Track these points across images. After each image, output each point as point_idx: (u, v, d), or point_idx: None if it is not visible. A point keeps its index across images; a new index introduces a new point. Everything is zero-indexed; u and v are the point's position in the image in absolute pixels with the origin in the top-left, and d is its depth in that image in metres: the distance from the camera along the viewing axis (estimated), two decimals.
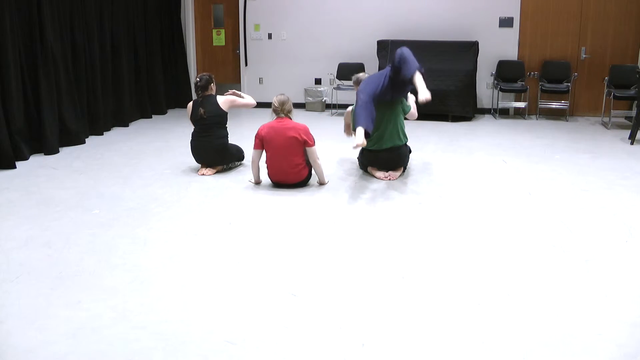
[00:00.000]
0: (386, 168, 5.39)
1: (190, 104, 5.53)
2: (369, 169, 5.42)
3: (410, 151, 5.55)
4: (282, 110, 4.96)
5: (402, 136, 5.32)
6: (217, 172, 5.50)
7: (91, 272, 3.33)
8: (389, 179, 5.27)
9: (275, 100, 5.01)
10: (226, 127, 5.55)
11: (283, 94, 5.10)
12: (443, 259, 3.54)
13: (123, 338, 2.62)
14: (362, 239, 3.86)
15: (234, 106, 5.57)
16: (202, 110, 5.35)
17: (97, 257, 3.54)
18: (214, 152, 5.46)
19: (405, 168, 5.52)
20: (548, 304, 2.95)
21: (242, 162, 5.80)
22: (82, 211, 4.41)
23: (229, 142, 5.58)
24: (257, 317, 2.82)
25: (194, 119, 5.45)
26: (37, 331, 2.68)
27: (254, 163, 4.99)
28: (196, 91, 5.48)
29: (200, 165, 5.58)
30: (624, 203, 4.65)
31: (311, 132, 4.96)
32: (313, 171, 5.07)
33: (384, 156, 5.30)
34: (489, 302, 2.97)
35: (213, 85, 5.52)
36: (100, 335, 2.64)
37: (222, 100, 5.46)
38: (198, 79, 5.45)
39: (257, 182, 5.06)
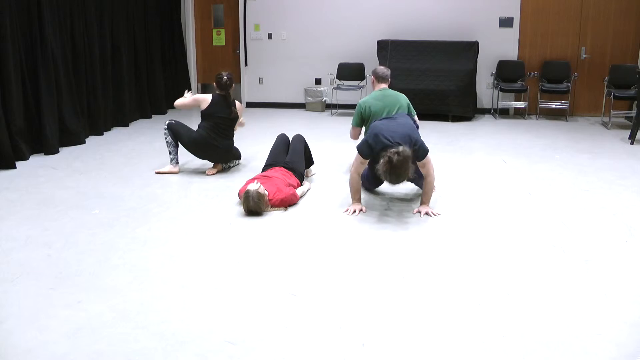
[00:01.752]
0: None
1: (210, 96, 5.48)
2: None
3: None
4: (260, 213, 4.35)
5: None
6: (218, 171, 5.57)
7: (91, 272, 3.33)
8: None
9: (244, 206, 4.32)
10: (234, 130, 5.64)
11: (251, 195, 4.24)
12: (443, 259, 3.54)
13: (123, 338, 2.62)
14: (362, 239, 3.85)
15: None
16: (234, 111, 5.45)
17: (97, 257, 3.54)
18: (223, 151, 5.53)
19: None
20: (548, 304, 2.95)
21: (240, 160, 5.88)
22: (82, 211, 4.41)
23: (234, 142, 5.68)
24: (257, 317, 2.82)
25: (211, 112, 5.39)
26: (37, 331, 2.68)
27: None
28: (222, 88, 5.41)
29: (201, 161, 5.68)
30: (624, 203, 4.65)
31: (296, 193, 4.64)
32: (305, 183, 5.00)
33: None
34: (489, 302, 2.97)
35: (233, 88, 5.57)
36: (100, 335, 2.64)
37: (238, 107, 5.54)
38: (226, 77, 5.38)
39: None
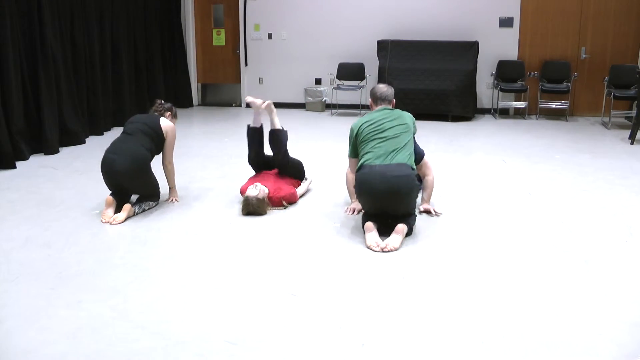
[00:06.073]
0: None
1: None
2: (365, 227, 3.88)
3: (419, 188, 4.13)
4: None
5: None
6: (128, 217, 4.18)
7: (91, 272, 3.33)
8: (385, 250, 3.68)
9: (244, 210, 4.32)
10: (155, 150, 4.44)
11: (251, 202, 4.26)
12: (443, 259, 3.54)
13: (123, 338, 2.62)
14: (362, 239, 3.85)
15: (168, 141, 4.51)
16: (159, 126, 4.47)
17: (97, 257, 3.54)
18: (129, 163, 4.17)
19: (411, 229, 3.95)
20: (548, 304, 2.95)
21: (157, 202, 4.53)
22: (82, 211, 4.41)
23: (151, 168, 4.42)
24: (257, 317, 2.82)
25: (128, 122, 4.54)
26: (37, 331, 2.68)
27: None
28: (155, 107, 4.65)
29: (106, 200, 4.25)
30: (624, 203, 4.65)
31: (296, 192, 4.65)
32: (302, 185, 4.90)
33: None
34: (489, 302, 2.97)
35: (170, 116, 4.67)
36: (100, 335, 2.64)
37: (165, 122, 4.50)
38: (162, 101, 4.74)
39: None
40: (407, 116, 4.07)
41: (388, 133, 3.91)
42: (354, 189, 4.05)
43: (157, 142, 4.47)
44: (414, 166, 3.93)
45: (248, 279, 3.26)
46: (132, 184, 4.33)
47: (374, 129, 3.95)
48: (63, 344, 2.57)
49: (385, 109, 4.11)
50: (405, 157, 3.85)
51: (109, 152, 4.29)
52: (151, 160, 4.41)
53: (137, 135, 4.36)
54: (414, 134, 4.06)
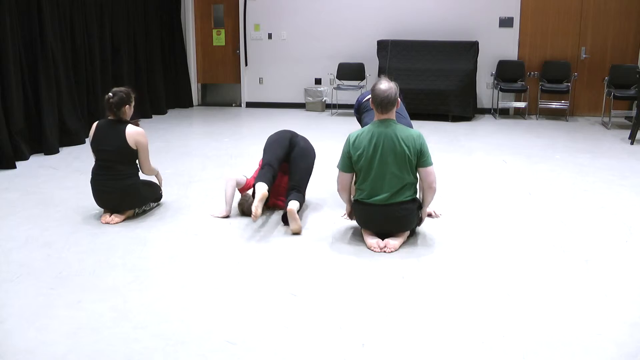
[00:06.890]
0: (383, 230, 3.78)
1: (95, 125, 4.24)
2: (362, 231, 3.85)
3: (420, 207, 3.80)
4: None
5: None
6: (128, 218, 4.22)
7: (91, 272, 3.33)
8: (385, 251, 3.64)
9: (239, 208, 4.37)
10: (135, 165, 4.25)
11: (244, 203, 4.32)
12: (443, 258, 3.54)
13: (123, 338, 2.62)
14: (362, 239, 3.84)
15: (141, 151, 4.20)
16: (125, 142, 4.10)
17: (97, 257, 3.54)
18: (119, 195, 4.14)
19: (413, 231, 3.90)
20: (548, 304, 2.95)
21: (160, 202, 4.57)
22: (82, 211, 4.41)
23: (141, 180, 4.30)
24: (257, 317, 2.82)
25: (95, 147, 4.17)
26: (37, 331, 2.68)
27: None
28: (108, 109, 4.16)
29: (103, 210, 4.27)
30: (624, 203, 4.65)
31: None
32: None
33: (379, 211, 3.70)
34: (489, 302, 2.97)
35: (129, 108, 4.21)
36: (100, 335, 2.64)
37: (130, 133, 4.12)
38: (111, 95, 4.13)
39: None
40: (411, 143, 3.60)
41: (390, 169, 3.57)
42: (354, 217, 3.91)
43: (134, 156, 4.20)
44: (417, 193, 3.75)
45: (248, 279, 3.26)
46: (133, 207, 4.26)
47: (374, 161, 3.59)
48: (63, 344, 2.57)
49: (387, 123, 3.62)
50: (409, 192, 3.65)
51: (95, 189, 4.19)
52: (138, 174, 4.28)
53: (115, 169, 4.11)
54: (419, 162, 3.64)
